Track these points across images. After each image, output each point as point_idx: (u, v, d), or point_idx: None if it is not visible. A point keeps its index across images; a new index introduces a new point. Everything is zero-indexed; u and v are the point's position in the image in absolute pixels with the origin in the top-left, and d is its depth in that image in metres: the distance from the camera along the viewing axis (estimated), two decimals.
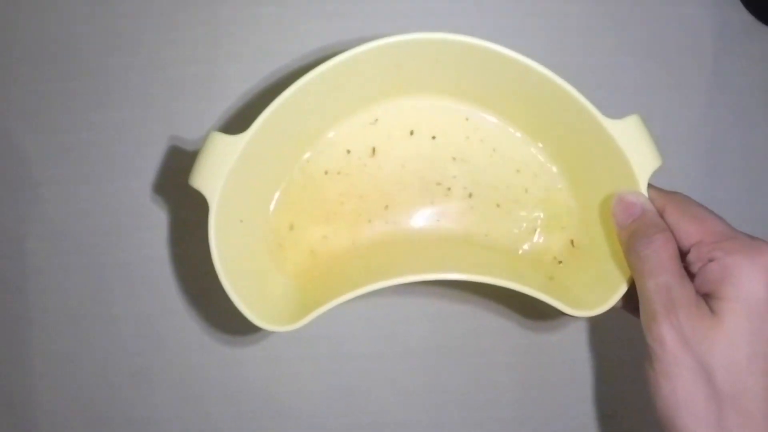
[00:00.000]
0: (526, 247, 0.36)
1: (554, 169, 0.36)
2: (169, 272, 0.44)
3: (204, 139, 0.32)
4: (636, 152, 0.31)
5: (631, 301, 0.32)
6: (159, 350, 0.45)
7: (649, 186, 0.32)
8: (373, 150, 0.35)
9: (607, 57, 0.44)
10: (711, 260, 0.29)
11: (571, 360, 0.44)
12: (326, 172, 0.35)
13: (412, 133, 0.36)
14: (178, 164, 0.44)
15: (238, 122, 0.44)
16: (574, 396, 0.44)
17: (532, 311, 0.39)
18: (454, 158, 0.36)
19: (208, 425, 0.45)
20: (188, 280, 0.44)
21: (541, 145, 0.36)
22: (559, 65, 0.41)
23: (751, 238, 0.29)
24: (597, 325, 0.44)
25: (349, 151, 0.36)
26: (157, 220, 0.44)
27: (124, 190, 0.44)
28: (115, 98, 0.44)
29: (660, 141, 0.42)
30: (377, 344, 0.44)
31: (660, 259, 0.30)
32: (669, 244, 0.30)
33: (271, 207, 0.35)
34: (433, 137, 0.36)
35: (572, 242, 0.36)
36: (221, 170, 0.31)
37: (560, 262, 0.36)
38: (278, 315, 0.32)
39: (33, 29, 0.44)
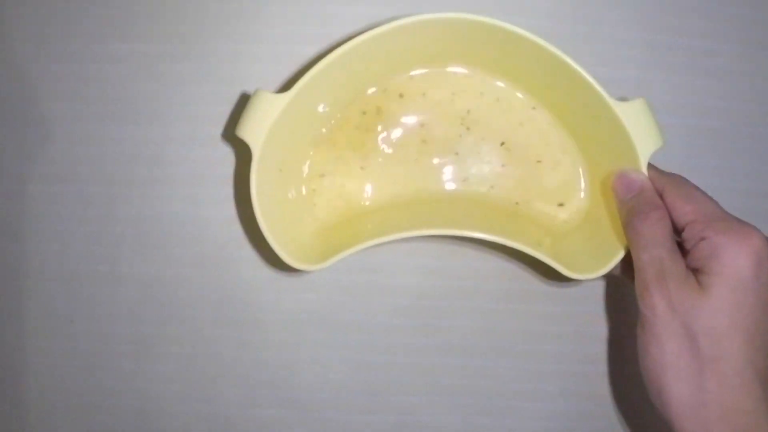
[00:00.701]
0: (537, 210, 0.39)
1: (569, 141, 0.39)
2: (184, 233, 0.40)
3: (251, 96, 0.35)
4: (639, 133, 0.34)
5: (629, 269, 0.35)
6: (167, 319, 0.41)
7: (651, 166, 0.35)
8: (404, 101, 0.38)
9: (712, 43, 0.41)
10: (702, 239, 0.32)
11: (586, 313, 0.41)
12: (360, 127, 0.39)
13: (452, 96, 0.39)
14: (207, 113, 0.40)
15: (288, 81, 0.40)
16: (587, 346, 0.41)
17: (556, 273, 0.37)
18: (476, 122, 0.39)
19: (214, 408, 0.41)
20: (205, 244, 0.40)
21: (560, 122, 0.39)
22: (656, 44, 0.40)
23: (740, 221, 0.32)
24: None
25: (379, 110, 0.39)
26: (175, 172, 0.40)
27: (142, 136, 0.40)
28: (142, 29, 0.40)
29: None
30: (404, 334, 0.41)
31: (654, 235, 0.33)
32: (663, 221, 0.33)
33: (309, 157, 0.39)
34: (458, 100, 0.39)
35: (570, 207, 0.39)
36: (264, 124, 0.35)
37: (566, 227, 0.39)
38: (307, 257, 0.36)
39: None
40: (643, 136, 0.34)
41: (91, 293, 0.40)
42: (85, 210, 0.40)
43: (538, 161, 0.39)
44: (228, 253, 0.40)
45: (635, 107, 0.34)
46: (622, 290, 0.41)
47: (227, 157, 0.40)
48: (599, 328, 0.41)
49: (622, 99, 0.35)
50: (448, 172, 0.39)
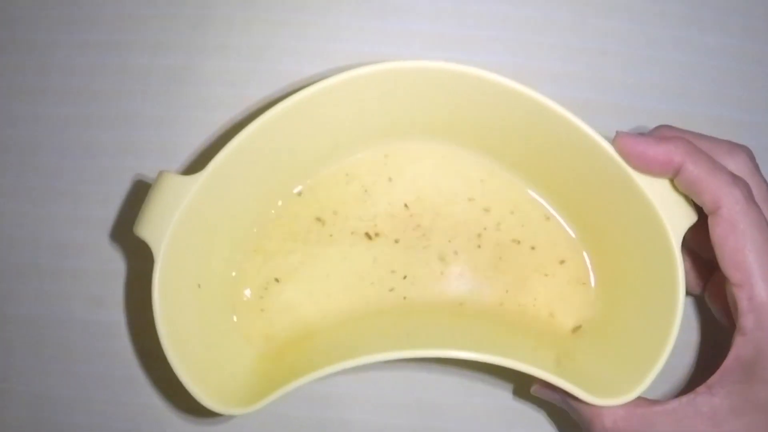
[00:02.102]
0: (533, 318, 0.34)
1: (570, 232, 0.34)
2: (88, 343, 0.35)
3: (155, 180, 0.30)
4: (668, 205, 0.29)
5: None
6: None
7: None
8: (365, 190, 0.34)
9: None
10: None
11: None
12: (306, 219, 0.34)
13: (420, 177, 0.34)
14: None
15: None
16: None
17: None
18: (452, 212, 0.34)
19: None
20: (114, 359, 0.35)
21: (554, 204, 0.34)
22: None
23: None
24: None
25: (333, 193, 0.34)
26: (79, 266, 0.35)
27: (39, 216, 0.35)
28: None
29: None
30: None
31: None
32: None
33: (237, 262, 0.33)
34: (427, 187, 0.35)
35: (576, 309, 0.34)
36: (169, 216, 0.29)
37: (575, 337, 0.33)
38: (243, 394, 0.30)
39: None
40: (672, 208, 0.29)
41: None
42: None
43: (531, 254, 0.34)
44: (140, 373, 0.35)
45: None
46: None
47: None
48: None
49: None
50: (423, 270, 0.34)
